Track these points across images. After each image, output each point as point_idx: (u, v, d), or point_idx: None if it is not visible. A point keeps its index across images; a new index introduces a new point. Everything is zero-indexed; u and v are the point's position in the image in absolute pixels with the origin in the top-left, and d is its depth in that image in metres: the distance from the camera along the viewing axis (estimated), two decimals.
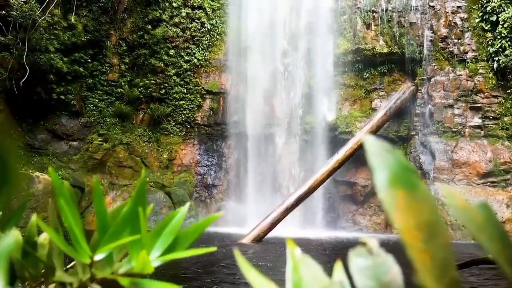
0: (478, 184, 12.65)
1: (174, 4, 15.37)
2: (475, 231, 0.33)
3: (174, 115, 15.45)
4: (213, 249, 0.67)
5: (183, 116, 15.43)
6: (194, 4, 15.53)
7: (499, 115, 13.05)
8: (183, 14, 15.39)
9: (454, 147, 13.07)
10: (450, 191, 0.34)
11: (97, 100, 15.06)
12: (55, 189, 0.69)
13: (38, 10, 12.52)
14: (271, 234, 10.67)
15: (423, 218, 0.31)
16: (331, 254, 8.66)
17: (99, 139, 14.60)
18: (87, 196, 13.28)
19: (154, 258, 0.65)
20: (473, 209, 0.34)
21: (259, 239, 10.39)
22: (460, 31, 13.62)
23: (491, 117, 13.11)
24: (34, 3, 12.32)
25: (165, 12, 15.32)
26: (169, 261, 0.65)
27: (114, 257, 0.68)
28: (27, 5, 12.14)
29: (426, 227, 0.31)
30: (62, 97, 14.31)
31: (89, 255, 0.64)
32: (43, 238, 0.73)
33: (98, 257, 0.65)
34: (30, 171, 12.32)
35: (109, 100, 15.20)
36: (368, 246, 0.37)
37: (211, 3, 15.66)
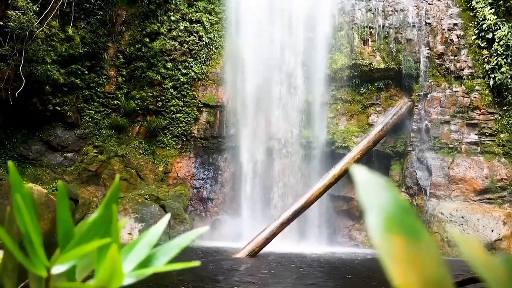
0: (475, 201, 12.58)
1: (173, 18, 15.42)
2: (497, 287, 0.27)
3: (171, 128, 15.39)
4: (195, 263, 0.56)
5: (179, 129, 15.36)
6: (192, 18, 15.59)
7: (496, 132, 13.04)
8: (181, 27, 15.43)
9: (451, 163, 13.03)
10: (468, 241, 0.28)
11: (93, 112, 14.99)
12: (11, 184, 0.59)
13: (36, 22, 12.51)
14: (266, 249, 10.53)
15: (428, 274, 0.25)
16: (326, 270, 8.53)
17: (95, 151, 14.49)
18: (80, 208, 13.13)
19: (127, 272, 0.54)
20: (495, 263, 0.28)
21: (254, 253, 10.24)
22: (456, 48, 13.68)
23: (488, 134, 13.09)
24: (32, 15, 12.31)
25: (163, 26, 15.36)
26: (146, 277, 0.55)
27: (78, 272, 0.57)
28: (25, 17, 12.14)
29: (432, 286, 0.25)
30: (58, 108, 14.25)
31: (45, 266, 0.53)
32: None
33: (57, 269, 0.54)
34: (24, 182, 12.17)
35: (105, 112, 15.14)
36: None
37: (209, 17, 15.72)
